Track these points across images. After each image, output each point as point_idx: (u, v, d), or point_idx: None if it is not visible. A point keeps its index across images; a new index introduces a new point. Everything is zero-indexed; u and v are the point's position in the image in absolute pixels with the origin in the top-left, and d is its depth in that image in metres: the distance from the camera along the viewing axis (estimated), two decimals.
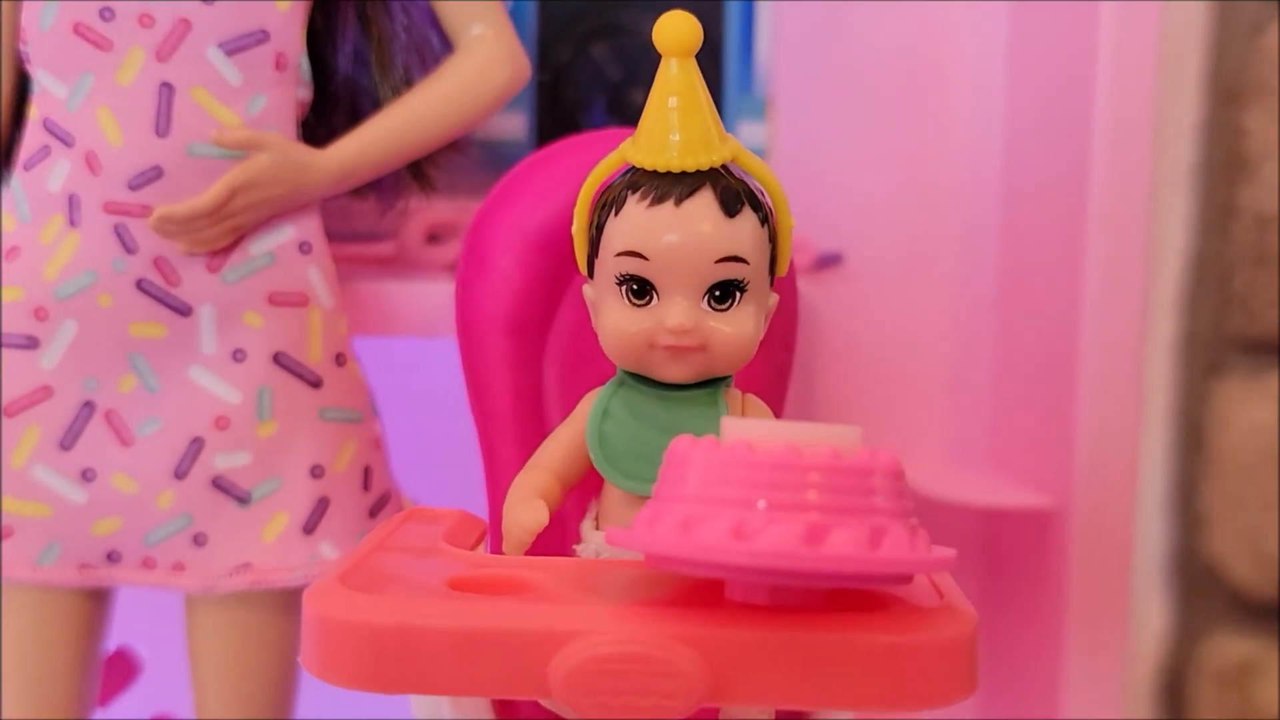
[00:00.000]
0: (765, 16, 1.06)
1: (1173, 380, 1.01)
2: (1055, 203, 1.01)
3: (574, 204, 0.69)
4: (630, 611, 0.50)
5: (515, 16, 0.88)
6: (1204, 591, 1.01)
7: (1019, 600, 1.04)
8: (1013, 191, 1.06)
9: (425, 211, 0.95)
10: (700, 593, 0.53)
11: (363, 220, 0.92)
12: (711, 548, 0.47)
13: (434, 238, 0.99)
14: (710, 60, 1.01)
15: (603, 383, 0.66)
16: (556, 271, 0.75)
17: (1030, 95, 1.04)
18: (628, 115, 1.04)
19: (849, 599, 0.52)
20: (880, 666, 0.49)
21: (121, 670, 0.96)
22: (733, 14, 1.06)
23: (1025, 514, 1.01)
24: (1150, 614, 1.02)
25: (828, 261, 1.05)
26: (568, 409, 0.72)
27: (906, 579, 0.51)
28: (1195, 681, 1.01)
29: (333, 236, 0.82)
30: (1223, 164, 0.98)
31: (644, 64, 1.07)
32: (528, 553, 0.61)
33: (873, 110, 1.07)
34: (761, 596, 0.51)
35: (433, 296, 0.89)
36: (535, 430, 0.74)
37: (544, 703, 0.62)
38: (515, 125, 1.05)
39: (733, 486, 0.49)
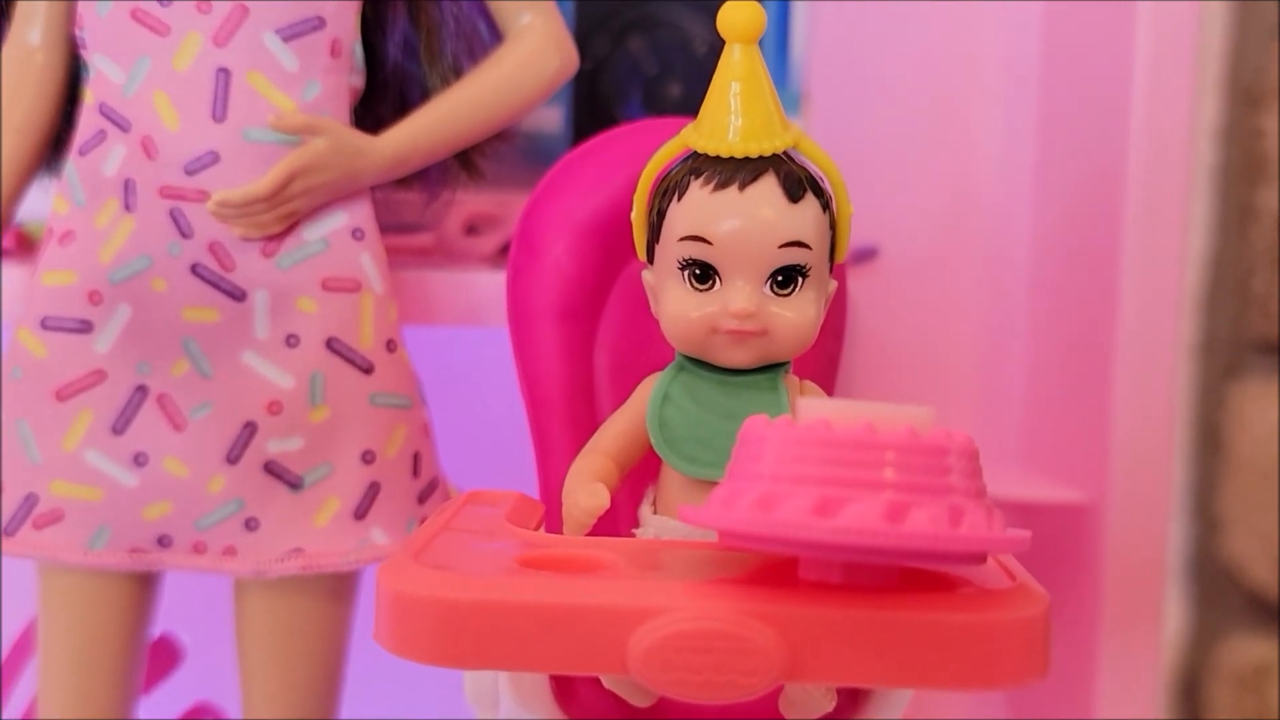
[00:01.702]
0: (801, 13, 1.06)
1: (1192, 382, 1.02)
2: (1088, 200, 1.02)
3: (625, 192, 0.70)
4: (707, 589, 0.51)
5: None
6: (1221, 593, 1.02)
7: (1052, 595, 1.04)
8: (1046, 187, 1.07)
9: (464, 204, 0.96)
10: (771, 573, 0.53)
11: (403, 211, 0.93)
12: (793, 524, 0.48)
13: (473, 229, 0.99)
14: None
15: (654, 369, 0.67)
16: (608, 259, 0.76)
17: (1064, 92, 1.05)
18: (663, 108, 1.05)
19: (921, 580, 0.53)
20: (956, 645, 0.50)
21: (164, 658, 0.96)
22: (769, 11, 1.06)
23: (1059, 508, 1.02)
24: (1168, 615, 1.02)
25: (863, 256, 1.06)
26: (619, 395, 0.72)
27: (982, 559, 0.52)
28: (1212, 683, 1.02)
29: None
30: (1241, 166, 0.99)
31: (679, 58, 1.08)
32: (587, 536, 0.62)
33: (907, 106, 1.08)
34: (836, 576, 0.52)
35: (474, 286, 0.89)
36: (586, 416, 0.75)
37: (606, 683, 0.62)
38: (552, 118, 1.06)
39: (811, 465, 0.49)
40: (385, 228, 0.82)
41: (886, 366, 1.07)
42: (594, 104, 1.05)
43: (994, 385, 1.10)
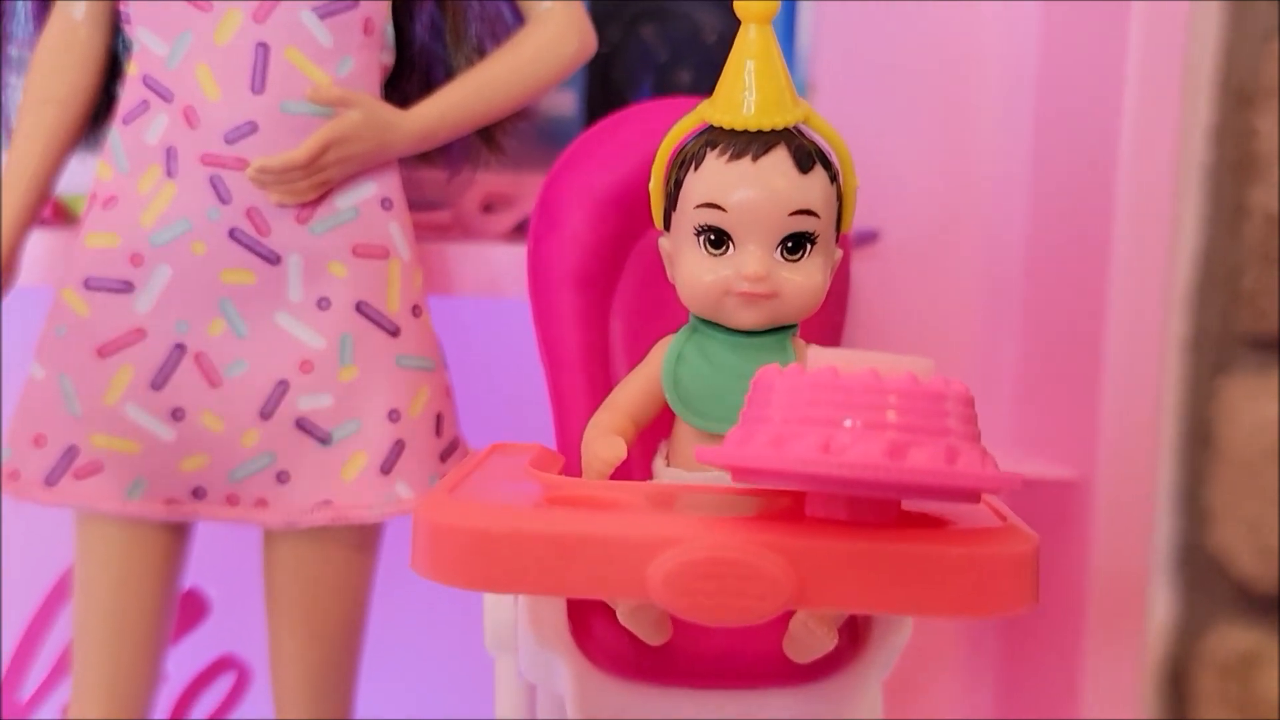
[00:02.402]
0: (807, 8, 1.10)
1: (1181, 376, 1.04)
2: (1082, 191, 1.04)
3: (640, 167, 0.74)
4: (722, 523, 0.55)
5: None
6: (1209, 584, 1.04)
7: (1043, 564, 1.07)
8: (1041, 178, 1.10)
9: (481, 183, 0.99)
10: (780, 511, 0.57)
11: (423, 189, 0.96)
12: (803, 460, 0.51)
13: (489, 207, 1.02)
14: None
15: (666, 334, 0.71)
16: (624, 230, 0.79)
17: (1060, 87, 1.08)
18: (673, 94, 1.08)
19: (919, 520, 0.57)
20: (951, 576, 0.53)
21: (191, 611, 0.99)
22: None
23: (1049, 484, 1.05)
24: (1156, 605, 1.05)
25: (865, 239, 1.09)
26: (633, 359, 0.76)
27: (977, 496, 0.55)
28: (1198, 671, 1.04)
29: None
30: (1234, 165, 1.01)
31: (689, 46, 1.11)
32: None
33: (909, 97, 1.11)
34: (841, 512, 0.55)
35: (492, 260, 0.93)
36: (602, 378, 0.78)
37: (622, 620, 0.66)
38: (566, 102, 1.09)
39: (820, 408, 0.53)
40: (407, 204, 0.86)
41: (885, 346, 1.11)
42: (607, 89, 1.09)
43: (987, 365, 1.13)
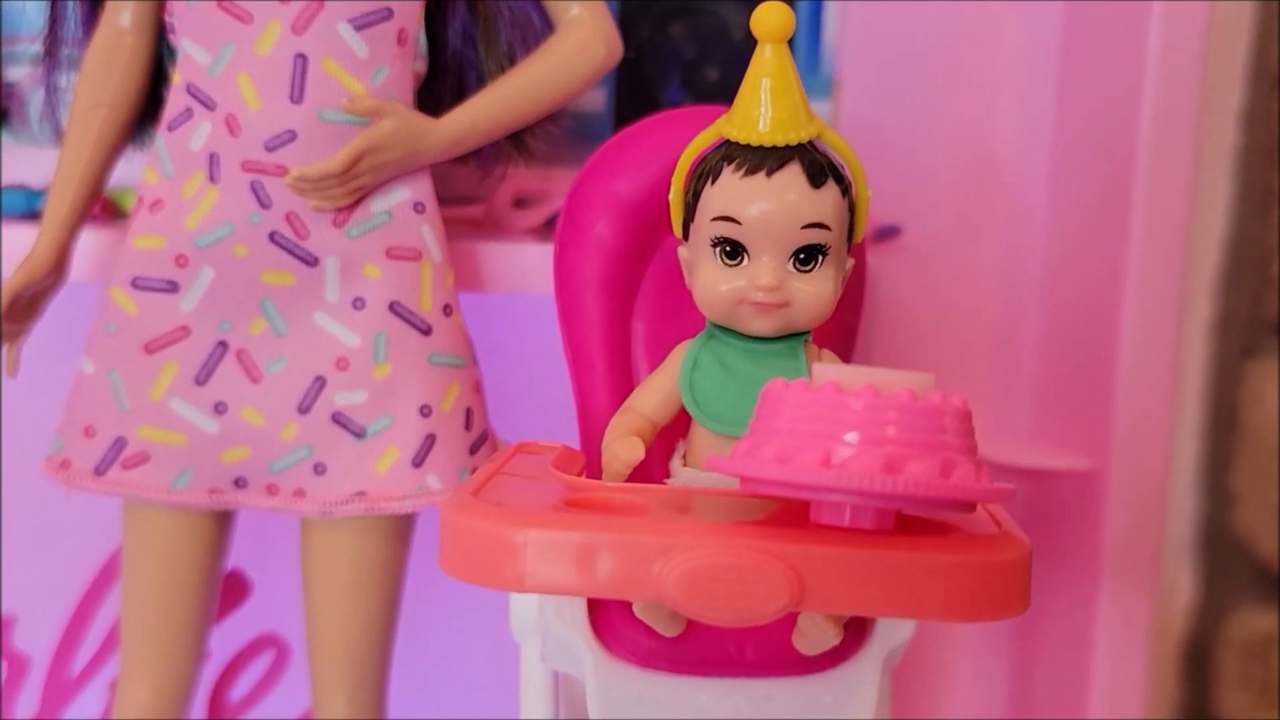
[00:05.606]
0: (832, 5, 1.12)
1: (1208, 359, 1.06)
2: (1101, 181, 1.06)
3: (662, 174, 0.77)
4: (729, 529, 0.58)
5: None
6: (1232, 566, 1.06)
7: (1055, 556, 1.10)
8: (1061, 169, 1.12)
9: (513, 178, 1.02)
10: (786, 516, 0.60)
11: (457, 185, 1.00)
12: (805, 473, 0.55)
13: (520, 202, 1.05)
14: None
15: (685, 336, 0.74)
16: (646, 235, 0.82)
17: (1081, 77, 1.09)
18: (701, 91, 1.11)
19: (918, 525, 0.60)
20: (946, 582, 0.57)
21: (233, 591, 1.03)
22: (804, 2, 1.12)
23: (1065, 475, 1.08)
24: (1179, 586, 1.07)
25: (887, 234, 1.12)
26: (654, 360, 0.79)
27: (971, 507, 0.58)
28: (1221, 652, 1.07)
29: None
30: (1264, 150, 1.03)
31: (717, 43, 1.14)
32: None
33: (932, 90, 1.13)
34: (842, 518, 0.59)
35: (522, 257, 0.96)
36: (624, 378, 0.82)
37: (637, 613, 0.70)
38: (596, 98, 1.11)
39: (822, 423, 0.56)
40: (440, 200, 0.89)
41: (905, 340, 1.13)
42: (636, 86, 1.11)
43: (1006, 358, 1.15)
